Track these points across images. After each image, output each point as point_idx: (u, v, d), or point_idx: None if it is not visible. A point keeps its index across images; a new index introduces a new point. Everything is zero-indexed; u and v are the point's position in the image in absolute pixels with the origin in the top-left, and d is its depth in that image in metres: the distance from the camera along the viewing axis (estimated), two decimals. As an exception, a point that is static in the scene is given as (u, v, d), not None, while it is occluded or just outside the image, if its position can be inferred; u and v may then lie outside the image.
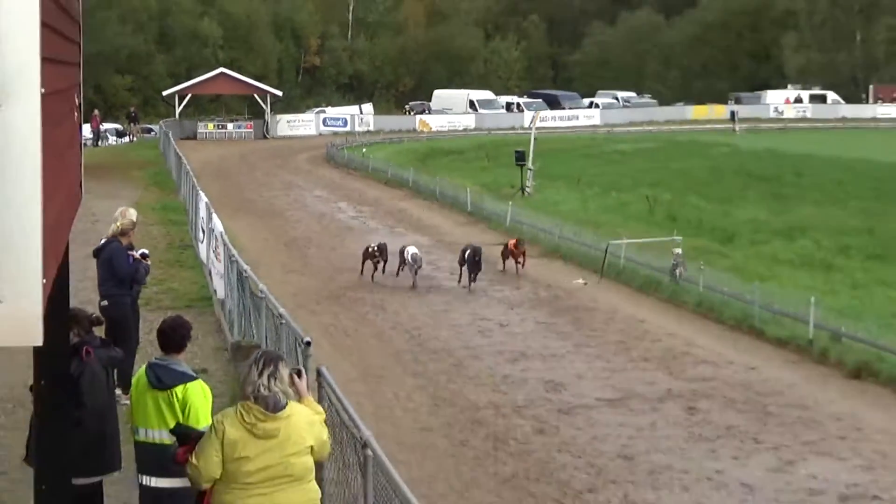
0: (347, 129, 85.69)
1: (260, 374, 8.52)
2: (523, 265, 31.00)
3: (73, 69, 9.09)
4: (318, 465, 10.64)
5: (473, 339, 23.43)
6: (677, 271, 27.15)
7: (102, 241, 17.35)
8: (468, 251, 28.93)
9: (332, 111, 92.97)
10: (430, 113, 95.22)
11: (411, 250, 29.65)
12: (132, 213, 18.06)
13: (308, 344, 12.96)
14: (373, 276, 29.74)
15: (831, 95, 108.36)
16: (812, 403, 19.53)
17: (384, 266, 29.92)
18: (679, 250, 28.04)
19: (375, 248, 29.94)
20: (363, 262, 30.12)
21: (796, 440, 17.53)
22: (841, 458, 16.77)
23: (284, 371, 8.67)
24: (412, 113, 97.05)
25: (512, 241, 31.65)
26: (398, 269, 29.78)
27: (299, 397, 9.01)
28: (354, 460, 9.93)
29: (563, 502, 14.90)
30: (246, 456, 8.48)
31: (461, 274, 29.18)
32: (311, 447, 8.64)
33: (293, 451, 8.53)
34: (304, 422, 8.64)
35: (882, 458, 16.73)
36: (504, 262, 31.40)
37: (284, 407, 8.53)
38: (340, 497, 10.79)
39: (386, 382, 20.27)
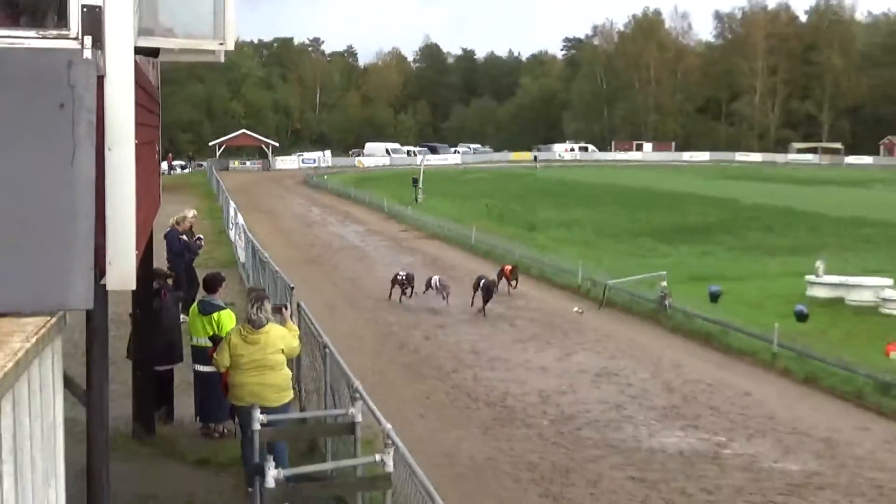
0: (316, 165, 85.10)
1: (251, 307, 8.66)
2: (515, 287, 22.53)
3: (155, 129, 8.94)
4: (297, 360, 10.62)
5: (387, 285, 23.30)
6: (666, 302, 19.86)
7: (167, 230, 17.11)
8: (482, 281, 20.65)
9: (307, 155, 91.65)
10: (363, 156, 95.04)
11: (436, 279, 21.43)
12: (188, 213, 17.83)
13: (292, 288, 12.87)
14: (400, 298, 21.33)
15: (591, 147, 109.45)
16: (580, 321, 19.78)
17: (412, 291, 21.37)
18: (664, 283, 20.48)
19: (403, 277, 21.44)
20: (392, 288, 21.65)
21: (571, 342, 17.74)
22: (597, 352, 16.99)
23: (268, 305, 8.76)
24: (353, 156, 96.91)
25: (508, 267, 23.05)
26: (426, 290, 21.36)
27: (283, 321, 9.07)
28: (319, 355, 9.93)
29: (440, 378, 14.93)
30: (241, 354, 8.58)
31: (473, 299, 20.67)
32: (282, 350, 8.68)
33: (270, 352, 8.59)
34: (278, 336, 8.67)
35: (621, 353, 16.98)
36: (497, 283, 21.64)
37: (264, 326, 8.59)
38: (310, 377, 10.76)
39: (337, 311, 20.14)
